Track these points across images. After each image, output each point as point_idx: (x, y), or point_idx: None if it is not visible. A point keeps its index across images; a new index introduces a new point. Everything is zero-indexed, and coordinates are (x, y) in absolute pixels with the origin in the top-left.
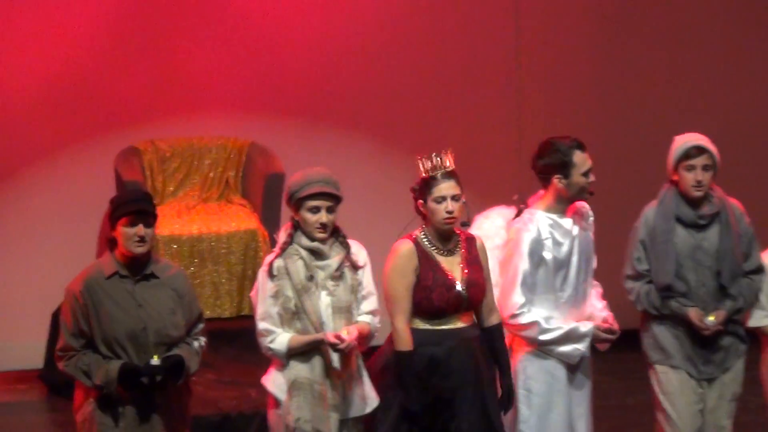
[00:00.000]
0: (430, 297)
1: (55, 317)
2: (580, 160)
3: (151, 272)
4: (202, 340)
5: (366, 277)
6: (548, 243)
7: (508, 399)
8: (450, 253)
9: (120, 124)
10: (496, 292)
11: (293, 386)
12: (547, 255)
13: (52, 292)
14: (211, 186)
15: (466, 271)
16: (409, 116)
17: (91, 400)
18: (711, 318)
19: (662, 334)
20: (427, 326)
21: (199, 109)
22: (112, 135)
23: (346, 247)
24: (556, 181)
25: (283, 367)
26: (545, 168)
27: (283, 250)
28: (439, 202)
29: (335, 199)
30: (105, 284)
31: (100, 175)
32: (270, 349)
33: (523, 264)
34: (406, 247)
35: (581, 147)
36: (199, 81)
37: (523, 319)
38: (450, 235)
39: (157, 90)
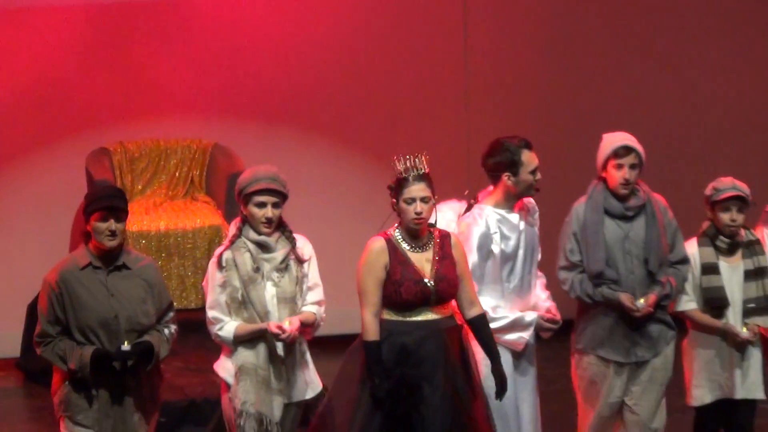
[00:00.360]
0: (399, 290)
1: (31, 308)
2: (528, 158)
3: (123, 263)
4: (173, 327)
5: (312, 269)
6: (496, 237)
7: (501, 386)
8: (422, 249)
9: (91, 127)
10: None
11: (240, 371)
12: (495, 248)
13: (27, 285)
14: (177, 184)
15: (436, 267)
16: (364, 118)
17: (67, 383)
18: (641, 301)
19: (595, 323)
20: (399, 317)
21: (166, 112)
22: (84, 137)
23: (292, 241)
24: (506, 179)
25: (231, 353)
26: (495, 166)
27: (232, 242)
28: (408, 203)
29: (281, 195)
30: (79, 275)
31: (72, 174)
32: (218, 336)
33: (473, 257)
34: (377, 244)
35: (529, 146)
36: (165, 86)
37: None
38: (421, 233)
39: (126, 95)
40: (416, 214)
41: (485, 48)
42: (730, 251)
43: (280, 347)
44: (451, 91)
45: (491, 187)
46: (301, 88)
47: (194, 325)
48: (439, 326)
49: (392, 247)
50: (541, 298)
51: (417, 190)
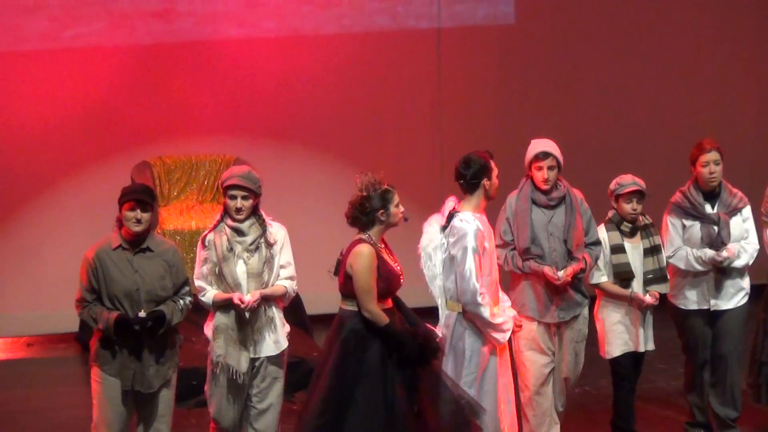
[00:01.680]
0: (389, 286)
1: None
2: (494, 165)
3: (147, 246)
4: (188, 299)
5: (284, 251)
6: (486, 235)
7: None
8: (385, 251)
9: (135, 144)
10: (446, 282)
11: (216, 330)
12: (487, 245)
13: None
14: (206, 191)
15: (396, 263)
16: (355, 136)
17: (98, 339)
18: (561, 273)
19: (524, 290)
20: (380, 306)
21: (196, 132)
22: (129, 152)
23: (263, 228)
24: (486, 183)
25: (213, 316)
26: (475, 175)
27: (215, 226)
28: (399, 207)
29: (251, 191)
30: (111, 254)
31: (119, 182)
32: (202, 300)
33: (476, 255)
34: (368, 249)
35: (492, 155)
36: (195, 111)
37: (484, 301)
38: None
39: (163, 118)
40: (402, 212)
41: (455, 80)
42: (631, 234)
43: (246, 313)
44: (427, 115)
45: (454, 198)
46: (306, 112)
47: None
48: (395, 308)
49: (376, 250)
50: (505, 300)
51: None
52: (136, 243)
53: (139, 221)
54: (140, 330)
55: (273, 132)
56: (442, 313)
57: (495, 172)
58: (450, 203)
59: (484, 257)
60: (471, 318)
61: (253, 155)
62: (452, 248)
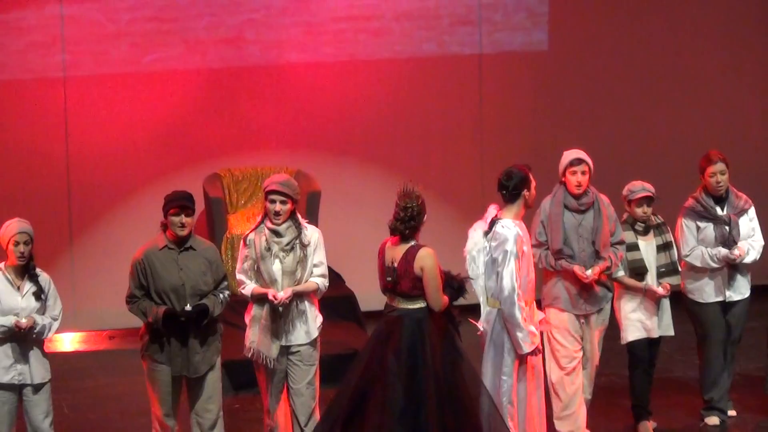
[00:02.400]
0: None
1: None
2: (532, 177)
3: (190, 246)
4: (226, 293)
5: (318, 251)
6: (524, 240)
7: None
8: None
9: (207, 157)
10: (488, 282)
11: (251, 320)
12: (525, 249)
13: None
14: None
15: None
16: (405, 151)
17: (147, 332)
18: (589, 272)
19: (556, 285)
20: None
21: (262, 146)
22: (202, 165)
23: (299, 230)
24: (526, 194)
25: (251, 307)
26: (517, 186)
27: (256, 227)
28: None
29: (288, 196)
30: (158, 253)
31: (192, 192)
32: (242, 293)
33: (515, 259)
34: (432, 252)
35: (530, 168)
36: (261, 128)
37: (520, 302)
38: None
39: (232, 134)
40: None
41: (495, 100)
42: (645, 232)
43: (279, 307)
44: (469, 132)
45: (495, 206)
46: (360, 129)
47: None
48: None
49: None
50: (538, 314)
51: None
52: (180, 243)
53: (183, 225)
54: (186, 322)
55: (331, 147)
56: (484, 309)
57: (533, 183)
58: (492, 210)
59: (522, 260)
60: (504, 318)
61: (313, 168)
62: (494, 252)
